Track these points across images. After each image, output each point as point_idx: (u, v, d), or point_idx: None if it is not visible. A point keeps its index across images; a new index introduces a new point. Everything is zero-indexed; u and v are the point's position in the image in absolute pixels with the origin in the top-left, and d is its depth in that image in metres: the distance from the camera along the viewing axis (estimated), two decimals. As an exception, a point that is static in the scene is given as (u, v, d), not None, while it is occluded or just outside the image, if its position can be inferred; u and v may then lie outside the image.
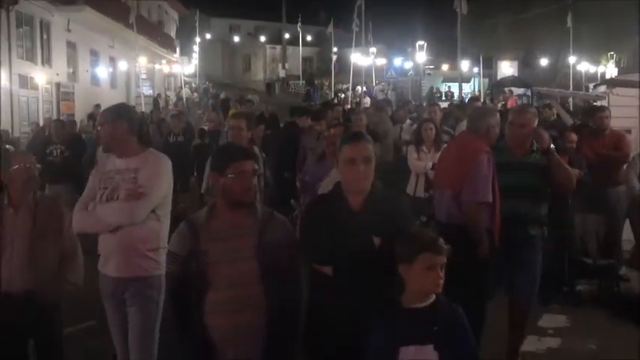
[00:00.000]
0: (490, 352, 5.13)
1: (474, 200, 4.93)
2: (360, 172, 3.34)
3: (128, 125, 4.31)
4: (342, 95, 37.31)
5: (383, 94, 35.31)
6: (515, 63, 45.68)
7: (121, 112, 4.43)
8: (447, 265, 3.05)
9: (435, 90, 40.00)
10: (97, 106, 23.31)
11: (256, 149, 6.30)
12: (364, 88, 35.46)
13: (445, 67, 45.47)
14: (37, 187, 4.60)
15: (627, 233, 8.44)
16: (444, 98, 35.15)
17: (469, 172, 4.95)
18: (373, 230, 3.28)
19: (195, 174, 11.04)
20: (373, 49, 39.88)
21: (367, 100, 29.35)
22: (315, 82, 47.77)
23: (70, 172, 10.52)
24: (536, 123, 5.48)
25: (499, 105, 21.81)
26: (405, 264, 3.02)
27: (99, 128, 4.50)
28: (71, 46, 28.76)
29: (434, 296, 3.04)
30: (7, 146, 15.05)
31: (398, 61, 43.32)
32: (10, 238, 4.36)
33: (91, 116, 20.55)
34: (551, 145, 5.45)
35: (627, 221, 8.36)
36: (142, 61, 33.10)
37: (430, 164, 8.02)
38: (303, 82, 48.41)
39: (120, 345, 4.38)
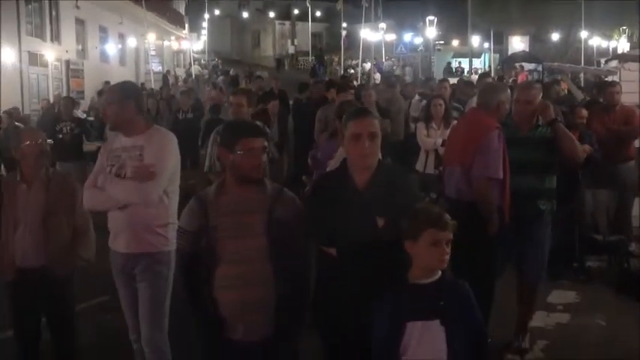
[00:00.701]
0: (499, 327, 5.16)
1: (484, 176, 4.91)
2: (366, 148, 3.29)
3: (135, 105, 4.30)
4: (352, 71, 37.15)
5: (400, 70, 35.19)
6: (527, 38, 45.30)
7: (128, 91, 4.41)
8: (456, 241, 3.05)
9: (447, 65, 39.71)
10: (107, 82, 23.33)
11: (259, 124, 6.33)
12: (374, 63, 35.31)
13: (455, 42, 45.12)
14: (49, 162, 4.63)
15: (637, 209, 8.42)
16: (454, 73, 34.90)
17: (479, 147, 4.92)
18: (378, 208, 3.25)
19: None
20: (383, 25, 39.59)
21: (377, 76, 29.24)
22: (325, 58, 47.53)
23: (79, 150, 10.58)
24: (540, 98, 5.46)
25: (510, 80, 21.67)
26: (411, 240, 3.03)
27: (106, 107, 4.50)
28: (80, 22, 28.72)
29: (440, 272, 3.05)
30: (17, 124, 15.15)
31: (408, 37, 42.96)
32: (24, 214, 4.40)
33: (101, 93, 20.55)
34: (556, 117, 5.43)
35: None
36: (151, 37, 33.06)
37: (440, 141, 7.99)
38: (313, 58, 48.17)
39: (131, 320, 4.43)
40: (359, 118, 3.38)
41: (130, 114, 4.28)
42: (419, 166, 8.31)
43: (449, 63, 39.72)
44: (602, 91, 9.63)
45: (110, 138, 4.59)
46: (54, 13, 25.87)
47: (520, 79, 22.96)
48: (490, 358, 4.75)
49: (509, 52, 39.46)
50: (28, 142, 4.45)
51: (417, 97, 11.99)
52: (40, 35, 24.81)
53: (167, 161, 4.26)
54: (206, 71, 41.99)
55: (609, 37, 40.72)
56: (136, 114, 4.31)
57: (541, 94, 5.52)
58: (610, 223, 8.12)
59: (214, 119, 11.85)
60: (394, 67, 37.00)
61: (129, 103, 4.28)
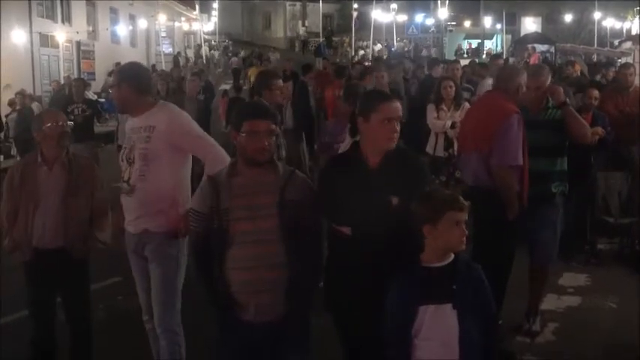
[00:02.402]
0: (510, 310, 5.17)
1: (505, 164, 4.82)
2: (395, 131, 3.38)
3: (133, 86, 4.29)
4: (362, 52, 36.97)
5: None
6: (539, 19, 44.99)
7: (125, 73, 4.39)
8: (473, 226, 3.08)
9: (457, 47, 39.51)
10: (117, 64, 23.29)
11: None
12: (385, 45, 35.17)
13: (467, 23, 44.80)
14: (69, 143, 4.64)
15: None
16: (465, 55, 34.75)
17: (498, 134, 4.81)
18: (391, 189, 3.28)
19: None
20: (394, 5, 39.39)
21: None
22: (336, 39, 47.28)
23: (90, 131, 10.62)
24: (549, 81, 5.42)
25: (522, 62, 21.53)
26: (430, 224, 3.03)
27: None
28: (90, 4, 28.75)
29: (452, 255, 3.06)
30: (36, 103, 15.24)
31: (419, 18, 42.73)
32: (44, 196, 4.42)
33: (111, 74, 20.57)
34: (567, 100, 5.39)
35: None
36: (162, 18, 33.03)
37: (449, 123, 7.93)
38: (324, 39, 47.94)
39: (144, 301, 4.46)
40: (389, 101, 3.43)
41: (128, 96, 4.29)
42: (429, 149, 8.26)
43: (459, 45, 39.37)
44: (606, 72, 9.62)
45: (122, 120, 4.61)
46: (64, -6, 25.90)
47: (532, 60, 22.80)
48: (501, 341, 4.78)
49: (522, 34, 39.19)
50: (49, 124, 4.45)
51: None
52: (51, 16, 24.84)
53: (193, 124, 4.31)
54: (216, 52, 41.88)
55: (623, 18, 40.29)
56: (137, 95, 4.29)
57: (550, 78, 5.48)
58: (622, 206, 8.09)
59: (239, 98, 11.76)
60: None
61: (126, 86, 4.28)
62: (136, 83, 4.31)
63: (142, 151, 4.19)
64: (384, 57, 29.57)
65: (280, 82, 6.06)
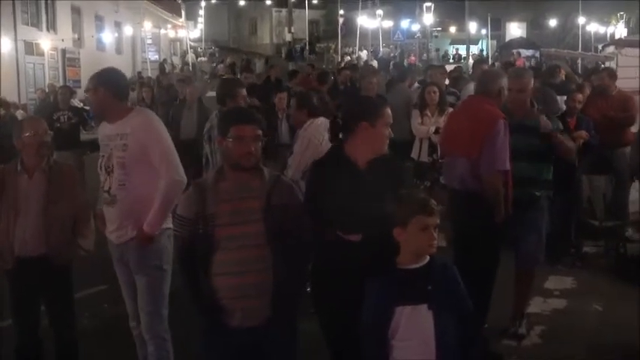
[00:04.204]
0: (496, 313, 5.19)
1: (494, 169, 4.83)
2: (390, 135, 3.55)
3: (112, 91, 4.28)
4: (348, 58, 37.01)
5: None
6: (524, 24, 45.28)
7: (101, 78, 4.38)
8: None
9: (443, 52, 39.74)
10: (103, 71, 23.22)
11: None
12: (371, 50, 35.23)
13: (453, 29, 44.99)
14: (50, 152, 4.62)
15: (633, 194, 8.44)
16: (451, 60, 34.95)
17: (487, 140, 4.81)
18: (382, 192, 3.31)
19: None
20: (380, 12, 39.52)
21: (375, 64, 29.22)
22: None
23: (76, 139, 10.58)
24: (532, 84, 5.45)
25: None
26: (400, 227, 3.07)
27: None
28: (76, 11, 28.64)
29: (428, 257, 3.10)
30: (20, 111, 15.10)
31: (405, 24, 42.87)
32: (25, 204, 4.39)
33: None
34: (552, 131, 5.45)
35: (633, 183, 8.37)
36: (147, 25, 32.98)
37: (433, 128, 7.92)
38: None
39: (131, 307, 4.46)
40: (387, 107, 3.61)
41: (105, 100, 4.29)
42: (413, 154, 8.25)
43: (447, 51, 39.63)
44: (589, 77, 9.72)
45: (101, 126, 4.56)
46: (49, 1, 25.77)
47: (517, 65, 22.91)
48: (485, 343, 4.81)
49: (507, 38, 39.45)
50: (28, 133, 4.43)
51: (416, 84, 11.95)
52: (36, 24, 24.75)
53: (164, 136, 4.29)
54: (203, 59, 41.82)
55: (607, 23, 40.59)
56: (112, 100, 4.29)
57: (532, 81, 5.51)
58: (606, 209, 8.14)
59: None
60: (392, 54, 37.05)
61: (103, 90, 4.28)
62: (113, 88, 4.30)
63: (120, 159, 4.18)
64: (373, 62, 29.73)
65: (244, 90, 5.93)
